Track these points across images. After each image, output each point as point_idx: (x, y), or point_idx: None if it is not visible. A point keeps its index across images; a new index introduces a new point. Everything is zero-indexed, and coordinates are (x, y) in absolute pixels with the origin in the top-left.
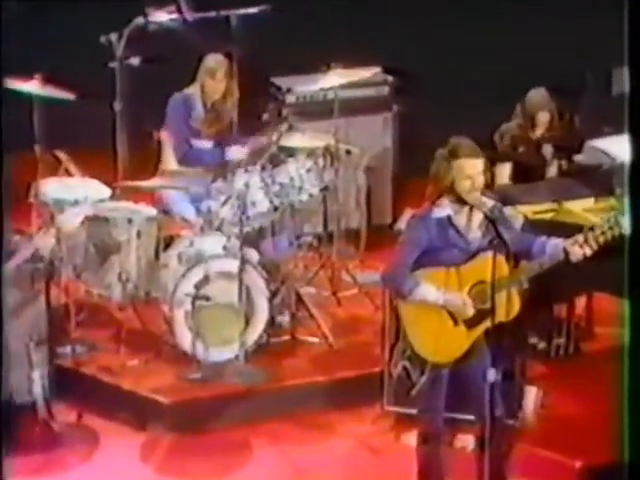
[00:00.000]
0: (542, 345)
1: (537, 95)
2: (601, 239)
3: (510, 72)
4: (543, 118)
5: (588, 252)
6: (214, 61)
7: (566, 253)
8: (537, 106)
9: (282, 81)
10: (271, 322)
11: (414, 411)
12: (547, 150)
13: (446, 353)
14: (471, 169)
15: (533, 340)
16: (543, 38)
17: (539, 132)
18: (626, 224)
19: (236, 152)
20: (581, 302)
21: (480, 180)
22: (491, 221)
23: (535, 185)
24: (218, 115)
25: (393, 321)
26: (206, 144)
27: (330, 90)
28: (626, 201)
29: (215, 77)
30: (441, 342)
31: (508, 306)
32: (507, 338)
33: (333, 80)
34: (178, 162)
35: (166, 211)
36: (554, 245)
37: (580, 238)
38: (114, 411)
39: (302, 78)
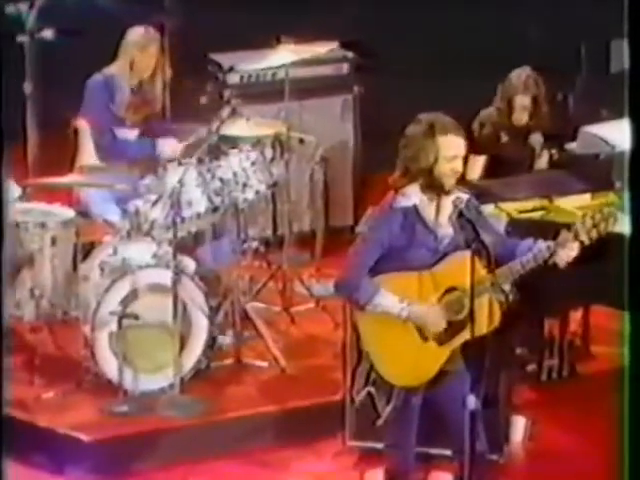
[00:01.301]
0: (531, 367)
1: (518, 76)
2: (593, 233)
3: (494, 47)
4: (523, 102)
5: (576, 249)
6: (142, 34)
7: (552, 251)
8: (517, 88)
9: (223, 58)
10: (211, 343)
11: (380, 445)
12: (536, 139)
13: (415, 375)
14: (456, 149)
15: (521, 361)
16: (532, 8)
17: (522, 119)
18: (624, 222)
19: (168, 143)
20: (576, 316)
21: (459, 165)
22: (467, 220)
23: (520, 179)
24: (146, 98)
25: (356, 340)
26: (132, 134)
27: (280, 68)
28: (625, 196)
29: (145, 51)
30: (408, 362)
31: (488, 316)
32: (490, 358)
33: (283, 57)
34: (99, 156)
35: (85, 213)
36: (540, 245)
37: (569, 235)
38: (27, 452)
39: (247, 54)
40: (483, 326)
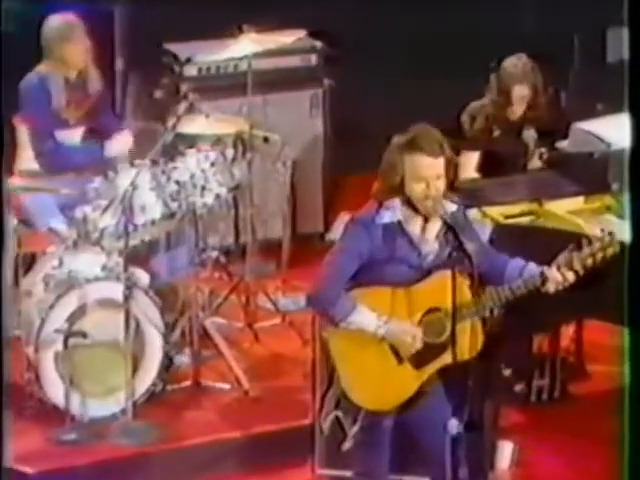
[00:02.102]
0: (519, 387)
1: (516, 63)
2: (589, 262)
3: (479, 35)
4: (522, 93)
5: (571, 278)
6: (61, 23)
7: (544, 278)
8: (515, 77)
9: (180, 48)
10: (167, 364)
11: (349, 474)
12: (529, 135)
13: (385, 400)
14: (426, 170)
15: (508, 381)
16: None
17: (519, 111)
18: (624, 230)
19: (118, 144)
20: (568, 332)
21: (437, 186)
22: (451, 228)
23: (508, 180)
24: (85, 91)
25: (326, 359)
26: (76, 135)
27: (242, 60)
28: (625, 198)
29: (70, 40)
30: (379, 385)
31: (471, 341)
32: (473, 379)
33: (246, 47)
34: (39, 164)
35: (27, 221)
36: (531, 270)
37: (561, 259)
38: None
39: (206, 44)
40: (465, 351)
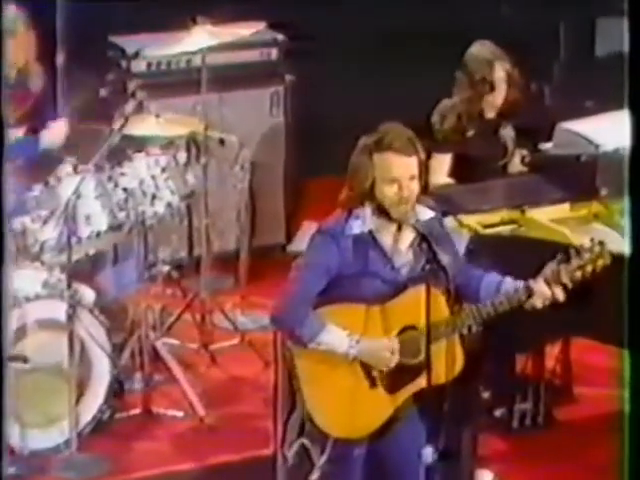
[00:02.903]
0: (500, 412)
1: (481, 48)
2: (578, 275)
3: (453, 26)
4: (494, 76)
5: (559, 294)
6: (9, 15)
7: (529, 293)
8: (484, 61)
9: (127, 41)
10: (115, 390)
11: None
12: (507, 134)
13: (356, 427)
14: (398, 170)
15: (487, 405)
16: None
17: (495, 104)
18: (614, 240)
19: (52, 134)
20: (554, 351)
21: (411, 188)
22: (425, 238)
23: (486, 185)
24: (27, 90)
25: (289, 382)
26: (14, 137)
27: (196, 54)
28: (615, 205)
29: (13, 34)
30: (350, 411)
31: (448, 362)
32: (449, 403)
33: (199, 40)
34: None
35: None
36: (509, 284)
37: (548, 272)
38: None
39: (156, 37)
40: (441, 375)
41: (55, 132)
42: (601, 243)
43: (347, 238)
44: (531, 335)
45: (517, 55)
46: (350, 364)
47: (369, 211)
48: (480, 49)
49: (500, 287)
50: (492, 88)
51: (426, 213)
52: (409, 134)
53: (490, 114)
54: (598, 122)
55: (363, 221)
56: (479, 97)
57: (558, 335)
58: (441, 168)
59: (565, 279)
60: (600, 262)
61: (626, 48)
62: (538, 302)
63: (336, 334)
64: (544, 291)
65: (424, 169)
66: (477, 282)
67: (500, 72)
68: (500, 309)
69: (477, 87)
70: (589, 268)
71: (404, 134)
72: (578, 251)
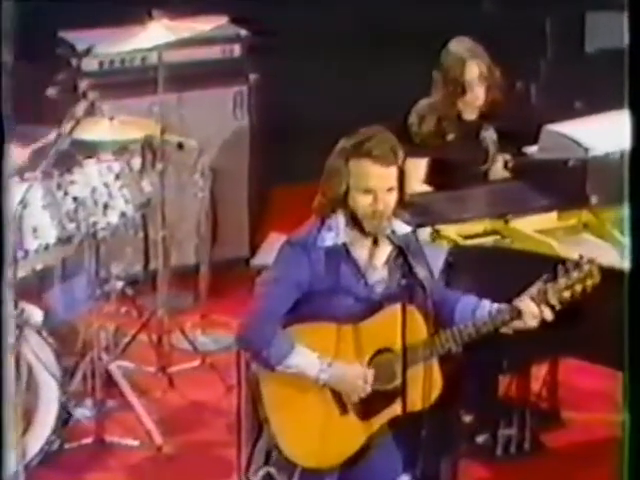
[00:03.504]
0: (483, 438)
1: (457, 44)
2: (566, 295)
3: (432, 21)
4: (474, 73)
5: (548, 316)
6: None
7: (517, 313)
8: (462, 57)
9: (78, 38)
10: (65, 417)
11: None
12: (489, 137)
13: (328, 454)
14: (375, 180)
15: (469, 430)
16: None
17: (474, 105)
18: (606, 253)
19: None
20: (541, 372)
21: (387, 201)
22: (402, 253)
23: (466, 193)
24: None
25: (254, 407)
26: None
27: (151, 51)
28: (606, 214)
29: None
30: (319, 439)
31: (425, 388)
32: (428, 429)
33: (156, 36)
34: None
35: None
36: (490, 308)
37: (534, 291)
38: None
39: (108, 33)
40: (418, 401)
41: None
42: (591, 261)
43: (319, 250)
44: (516, 355)
45: (501, 52)
46: (320, 389)
47: (342, 221)
48: (456, 46)
49: (476, 310)
50: (464, 89)
51: (402, 227)
52: (392, 142)
53: (470, 115)
54: (588, 124)
55: (336, 232)
56: (453, 98)
57: (545, 355)
58: (416, 173)
59: (553, 300)
60: (590, 282)
61: (626, 44)
62: (529, 322)
63: (306, 357)
64: (534, 310)
65: (404, 180)
66: (452, 304)
67: (473, 72)
68: (483, 330)
69: (449, 87)
70: (578, 288)
71: (387, 142)
72: (566, 269)
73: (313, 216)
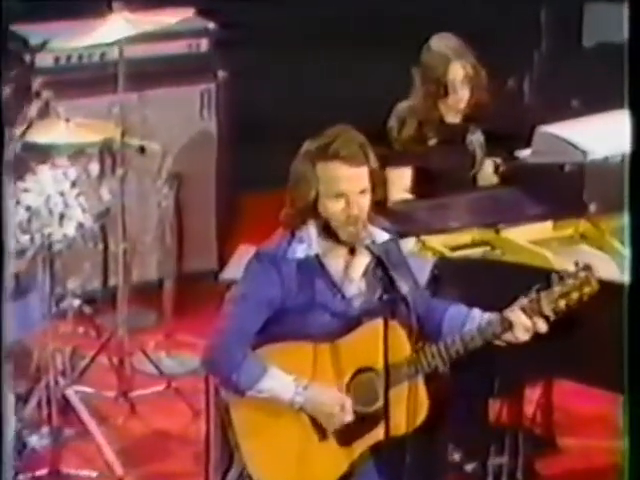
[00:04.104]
0: (472, 466)
1: (440, 45)
2: (561, 304)
3: (417, 11)
4: (458, 74)
5: (542, 327)
6: None
7: (508, 325)
8: (444, 56)
9: (31, 31)
10: (19, 447)
11: None
12: (475, 140)
13: None
14: (346, 182)
15: (456, 458)
16: None
17: (457, 107)
18: (606, 265)
19: None
20: (534, 394)
21: (361, 204)
22: (381, 263)
23: (453, 201)
24: None
25: (223, 435)
26: None
27: (111, 46)
28: (605, 223)
29: None
30: (298, 466)
31: (410, 410)
32: (411, 455)
33: (116, 29)
34: None
35: None
36: (482, 318)
37: (525, 302)
38: None
39: (64, 26)
40: (402, 424)
41: None
42: (588, 267)
43: (290, 264)
44: (507, 375)
45: (490, 46)
46: (296, 413)
47: (314, 232)
48: (438, 44)
49: (466, 321)
50: (446, 91)
51: (382, 235)
52: (360, 140)
53: (453, 118)
54: (586, 125)
55: (308, 244)
56: (434, 100)
57: (539, 376)
58: (400, 182)
59: (546, 309)
60: (587, 289)
61: (625, 38)
62: (521, 334)
63: (280, 379)
64: (525, 322)
65: (378, 182)
66: (439, 315)
67: (457, 73)
68: (471, 345)
69: (430, 88)
70: (574, 296)
71: (354, 140)
72: (561, 277)
73: (282, 229)
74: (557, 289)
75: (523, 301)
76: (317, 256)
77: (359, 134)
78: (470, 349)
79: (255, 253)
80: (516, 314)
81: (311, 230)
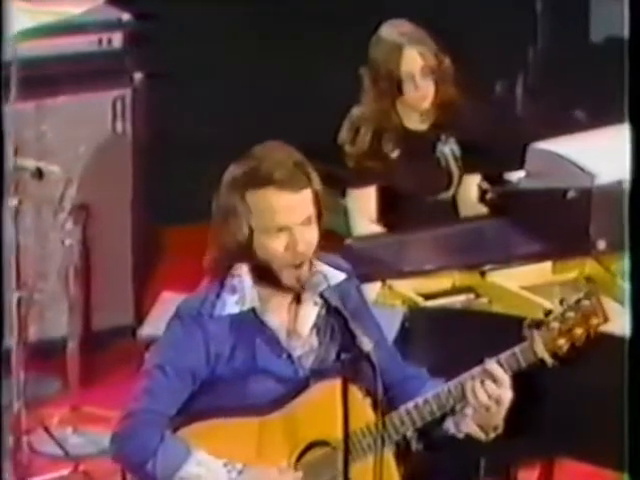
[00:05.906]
0: None
1: (392, 32)
2: (562, 344)
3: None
4: (414, 65)
5: (505, 384)
6: None
7: (485, 378)
8: (391, 53)
9: None
10: None
11: None
12: (449, 152)
13: None
14: (284, 213)
15: None
16: None
17: (420, 108)
18: (621, 318)
19: None
20: (532, 476)
21: (307, 238)
22: (336, 312)
23: (428, 236)
24: None
25: None
26: None
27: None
28: (625, 264)
29: None
30: None
31: None
32: None
33: (11, 22)
34: None
35: None
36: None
37: (516, 349)
38: None
39: None
40: None
41: None
42: (593, 292)
43: (220, 322)
44: (498, 454)
45: (473, 41)
46: None
47: (248, 279)
48: (389, 31)
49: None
50: (400, 87)
51: (336, 275)
52: (295, 158)
53: (417, 124)
54: (592, 140)
55: (241, 295)
56: (389, 101)
57: (536, 455)
58: (362, 209)
59: (542, 352)
60: (595, 321)
61: (626, 32)
62: (507, 395)
63: (207, 465)
64: (497, 375)
65: (325, 205)
66: (416, 387)
67: (413, 63)
68: (448, 404)
69: (382, 86)
70: (579, 331)
71: (288, 158)
72: (563, 312)
73: (209, 277)
74: (555, 326)
75: (499, 358)
76: (254, 309)
77: (294, 151)
78: (445, 410)
79: (176, 310)
80: (492, 367)
81: (244, 277)
